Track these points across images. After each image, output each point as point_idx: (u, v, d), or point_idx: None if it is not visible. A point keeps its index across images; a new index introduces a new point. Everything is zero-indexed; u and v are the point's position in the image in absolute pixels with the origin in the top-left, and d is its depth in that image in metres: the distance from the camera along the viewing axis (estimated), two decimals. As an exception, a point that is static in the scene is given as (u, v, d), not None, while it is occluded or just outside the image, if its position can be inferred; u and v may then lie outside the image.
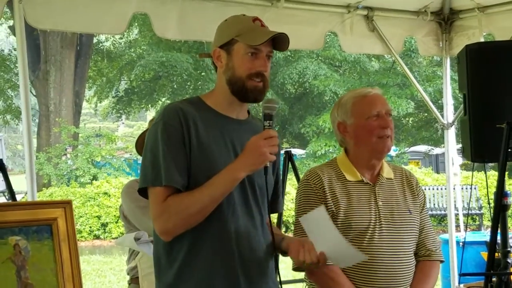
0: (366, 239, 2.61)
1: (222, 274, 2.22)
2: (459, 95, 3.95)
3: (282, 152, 4.16)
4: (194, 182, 2.19)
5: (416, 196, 2.80)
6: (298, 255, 2.27)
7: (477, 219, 13.50)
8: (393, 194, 2.74)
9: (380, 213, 2.66)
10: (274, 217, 2.54)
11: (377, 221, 2.64)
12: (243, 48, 2.26)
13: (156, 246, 2.32)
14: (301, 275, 3.02)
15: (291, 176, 4.96)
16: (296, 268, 2.71)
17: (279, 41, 2.31)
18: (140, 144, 3.65)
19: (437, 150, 22.56)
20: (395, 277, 2.62)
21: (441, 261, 2.81)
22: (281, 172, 2.69)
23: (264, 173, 2.24)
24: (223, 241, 2.23)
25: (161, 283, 2.30)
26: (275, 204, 2.53)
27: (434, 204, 13.57)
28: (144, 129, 3.58)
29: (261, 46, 2.26)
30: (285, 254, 2.40)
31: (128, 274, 3.73)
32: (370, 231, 2.62)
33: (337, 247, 2.28)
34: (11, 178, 3.80)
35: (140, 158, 2.65)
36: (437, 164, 22.59)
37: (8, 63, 22.00)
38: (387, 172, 2.78)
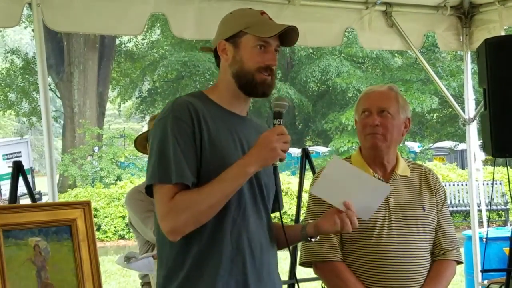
0: (374, 236, 2.60)
1: (234, 274, 2.17)
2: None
3: (300, 150, 4.13)
4: (205, 179, 2.11)
5: (434, 195, 2.76)
6: (333, 224, 2.22)
7: (503, 214, 13.34)
8: (406, 192, 2.71)
9: (391, 209, 2.64)
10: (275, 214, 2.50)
11: (387, 217, 2.62)
12: (252, 40, 2.20)
13: (162, 249, 2.23)
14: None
15: (310, 175, 4.93)
16: (302, 264, 2.72)
17: (286, 36, 2.24)
18: (139, 142, 3.66)
19: (462, 146, 22.32)
20: (406, 276, 2.59)
21: (458, 262, 2.74)
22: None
23: (273, 172, 2.20)
24: (236, 241, 2.18)
25: (170, 285, 2.20)
26: (278, 204, 2.42)
27: (459, 200, 13.43)
28: (146, 130, 3.59)
29: (270, 39, 2.20)
30: (310, 238, 2.33)
31: (140, 279, 3.75)
32: (378, 228, 2.60)
33: (361, 189, 2.26)
34: (37, 179, 3.88)
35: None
36: (462, 159, 22.35)
37: (32, 66, 22.31)
38: (402, 169, 2.75)
